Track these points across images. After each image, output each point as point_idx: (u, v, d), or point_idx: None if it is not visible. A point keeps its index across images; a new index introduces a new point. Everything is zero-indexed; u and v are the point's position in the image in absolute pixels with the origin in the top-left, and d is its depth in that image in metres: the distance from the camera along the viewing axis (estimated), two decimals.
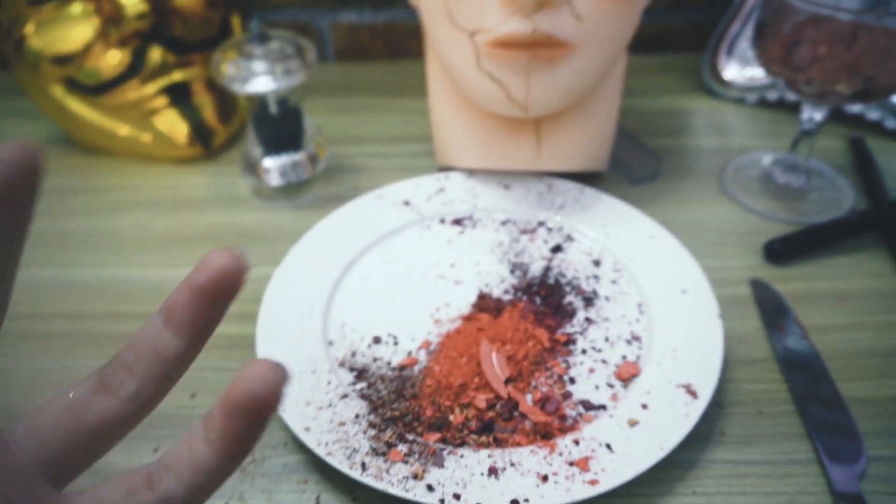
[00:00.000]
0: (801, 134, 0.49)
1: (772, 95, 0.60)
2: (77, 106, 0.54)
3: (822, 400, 0.36)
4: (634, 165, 0.52)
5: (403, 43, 0.71)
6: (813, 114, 0.47)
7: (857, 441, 0.34)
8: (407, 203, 0.48)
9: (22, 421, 0.18)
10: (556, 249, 0.45)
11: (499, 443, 0.33)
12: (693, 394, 0.34)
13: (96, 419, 0.18)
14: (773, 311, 0.42)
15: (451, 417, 0.34)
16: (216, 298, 0.18)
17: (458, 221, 0.47)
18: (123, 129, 0.55)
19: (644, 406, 0.34)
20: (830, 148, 0.56)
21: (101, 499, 0.17)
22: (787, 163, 0.52)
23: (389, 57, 0.71)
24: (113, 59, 0.52)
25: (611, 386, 0.36)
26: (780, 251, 0.45)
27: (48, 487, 0.17)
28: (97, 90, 0.53)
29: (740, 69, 0.62)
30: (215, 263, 0.17)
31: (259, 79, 0.48)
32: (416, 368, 0.37)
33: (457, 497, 0.30)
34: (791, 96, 0.59)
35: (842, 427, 0.35)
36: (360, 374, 0.36)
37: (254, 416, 0.17)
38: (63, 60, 0.51)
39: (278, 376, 0.16)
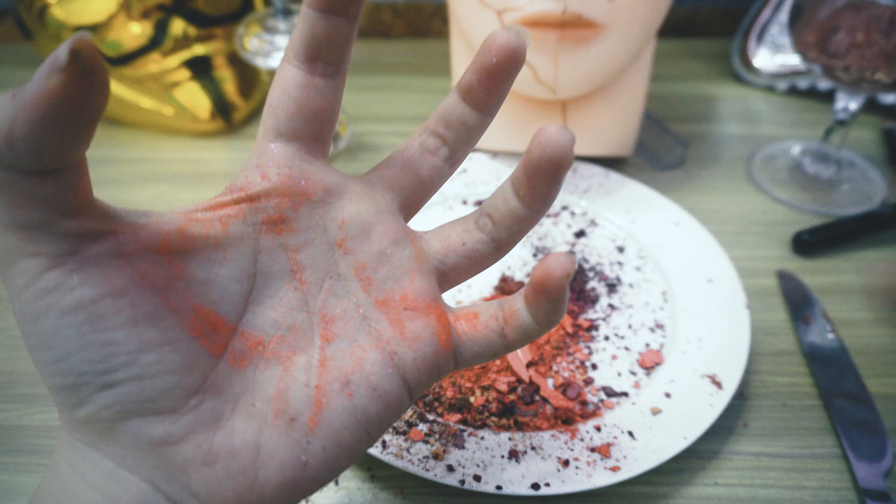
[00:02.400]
0: (834, 123, 0.48)
1: (803, 83, 0.59)
2: None
3: (849, 395, 0.36)
4: (661, 151, 0.52)
5: (425, 22, 0.70)
6: (848, 103, 0.46)
7: (884, 438, 0.34)
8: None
9: (372, 171, 0.23)
10: (580, 234, 0.44)
11: (519, 426, 0.32)
12: (718, 384, 0.34)
13: (427, 172, 0.23)
14: (799, 303, 0.41)
15: (472, 399, 0.33)
16: (504, 75, 0.21)
17: (480, 203, 0.47)
18: (145, 102, 0.54)
19: (667, 395, 0.34)
20: (863, 139, 0.54)
21: (446, 234, 0.23)
22: (817, 153, 0.51)
23: (411, 36, 0.70)
24: (135, 31, 0.51)
25: (633, 373, 0.36)
26: (809, 243, 0.44)
27: (402, 219, 0.23)
28: (119, 62, 0.52)
29: (771, 56, 0.60)
30: (499, 42, 0.20)
31: (282, 53, 0.47)
32: None
33: (477, 478, 0.29)
34: (823, 84, 0.58)
35: (868, 423, 0.34)
36: None
37: (550, 175, 0.20)
38: (85, 31, 0.51)
39: (566, 139, 0.20)
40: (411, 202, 0.23)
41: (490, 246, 0.23)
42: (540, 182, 0.21)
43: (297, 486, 0.20)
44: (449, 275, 0.23)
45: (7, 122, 0.15)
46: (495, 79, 0.21)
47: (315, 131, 0.21)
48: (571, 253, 0.21)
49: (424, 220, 0.45)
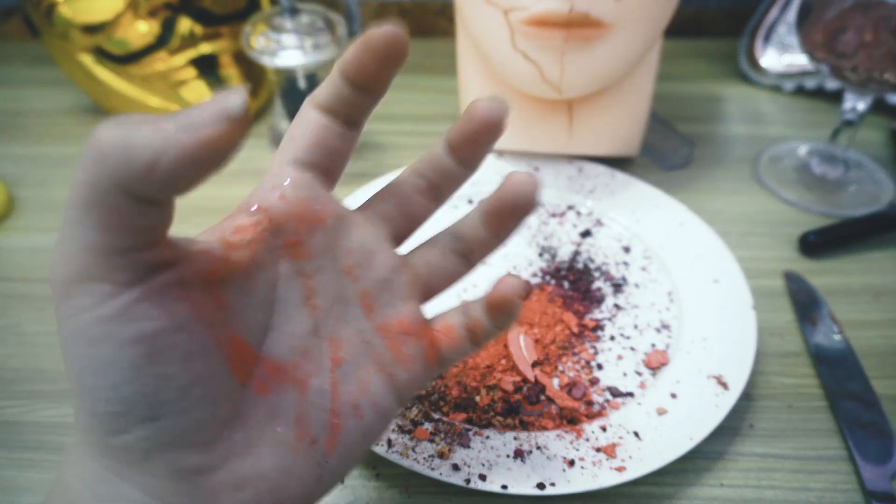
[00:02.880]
0: (842, 124, 0.48)
1: (810, 83, 0.58)
2: (106, 75, 0.54)
3: (855, 396, 0.36)
4: (667, 151, 0.51)
5: (431, 21, 0.69)
6: (856, 103, 0.46)
7: (891, 439, 0.33)
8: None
9: (369, 203, 0.25)
10: (586, 234, 0.44)
11: (525, 426, 0.32)
12: (724, 385, 0.34)
13: (417, 210, 0.25)
14: (806, 304, 0.41)
15: (478, 399, 0.33)
16: (485, 142, 0.23)
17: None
18: (153, 100, 0.55)
19: (673, 395, 0.34)
20: (870, 139, 0.54)
21: (427, 258, 0.25)
22: (824, 153, 0.51)
23: (417, 35, 0.70)
24: (142, 30, 0.52)
25: (639, 374, 0.36)
26: (816, 244, 0.44)
27: (392, 248, 0.25)
28: (125, 60, 0.53)
29: (778, 56, 0.60)
30: (479, 114, 0.22)
31: (288, 52, 0.47)
32: None
33: (482, 478, 0.29)
34: (831, 85, 0.58)
35: (875, 425, 0.34)
36: None
37: (517, 217, 0.24)
38: (92, 29, 0.51)
39: (533, 186, 0.23)
40: (401, 235, 0.25)
41: (465, 267, 0.26)
42: (509, 221, 0.24)
43: (312, 498, 0.22)
44: (429, 294, 0.26)
45: (153, 153, 0.15)
46: (477, 144, 0.23)
47: (328, 166, 0.23)
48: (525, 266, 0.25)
49: (431, 220, 0.45)
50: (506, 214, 0.24)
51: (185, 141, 0.15)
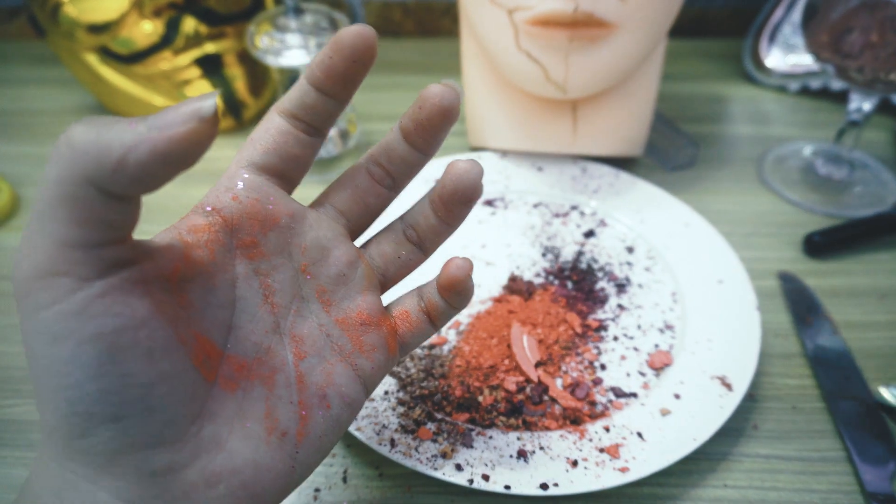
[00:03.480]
0: (847, 124, 0.48)
1: (815, 84, 0.58)
2: (111, 74, 0.54)
3: (854, 397, 0.35)
4: (671, 151, 0.51)
5: (435, 21, 0.69)
6: (862, 104, 0.46)
7: (890, 441, 0.33)
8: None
9: (324, 197, 0.25)
10: (589, 234, 0.44)
11: (528, 426, 0.32)
12: (728, 386, 0.34)
13: (373, 200, 0.25)
14: (801, 304, 0.40)
15: (480, 398, 0.33)
16: (437, 128, 0.23)
17: (489, 202, 0.47)
18: (157, 99, 0.55)
19: (677, 396, 0.34)
20: (876, 140, 0.54)
21: (382, 248, 0.26)
22: (829, 154, 0.51)
23: (420, 35, 0.70)
24: (147, 29, 0.52)
25: (642, 374, 0.36)
26: (821, 244, 0.44)
27: (348, 242, 0.25)
28: (130, 59, 0.53)
29: (783, 56, 0.60)
30: (431, 99, 0.22)
31: (293, 52, 0.47)
32: (446, 348, 0.36)
33: (485, 478, 0.29)
34: (836, 85, 0.57)
35: (873, 426, 0.34)
36: None
37: (464, 203, 0.24)
38: (97, 29, 0.51)
39: (476, 172, 0.23)
40: (358, 227, 0.26)
41: (419, 254, 0.26)
42: (456, 208, 0.24)
43: (286, 489, 0.22)
44: (387, 284, 0.26)
45: (124, 148, 0.15)
46: (428, 129, 0.23)
47: (285, 171, 0.23)
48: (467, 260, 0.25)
49: None
50: (452, 202, 0.24)
51: (155, 138, 0.16)
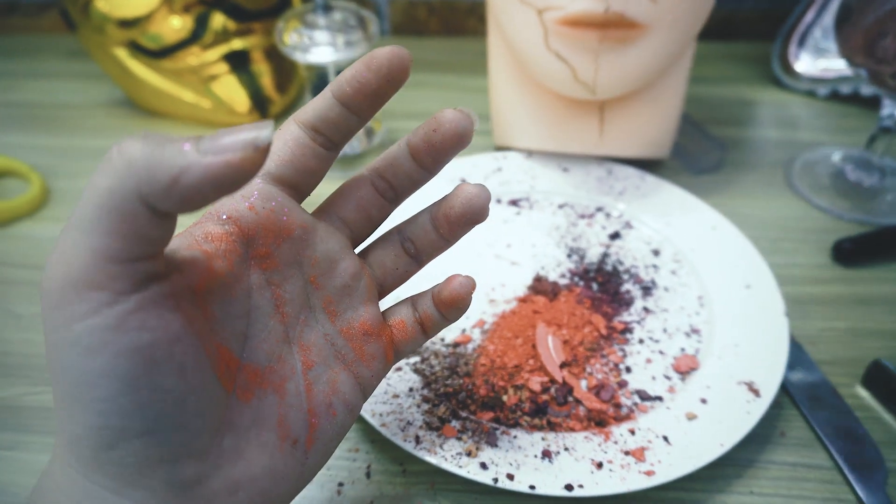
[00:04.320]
0: (879, 130, 0.47)
1: (845, 89, 0.57)
2: (139, 69, 0.55)
3: (831, 407, 0.35)
4: (698, 154, 0.51)
5: (460, 21, 0.69)
6: (894, 110, 0.45)
7: (876, 451, 0.33)
8: (463, 181, 0.47)
9: (328, 206, 0.25)
10: (615, 236, 0.44)
11: (552, 426, 0.32)
12: (755, 392, 0.33)
13: (376, 212, 0.26)
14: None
15: (505, 398, 0.33)
16: (448, 150, 0.24)
17: (514, 202, 0.47)
18: (185, 94, 0.55)
19: (703, 401, 0.33)
20: None
21: (381, 260, 0.26)
22: (859, 160, 0.50)
23: (445, 34, 0.70)
24: (176, 25, 0.52)
25: (668, 378, 0.35)
26: (850, 251, 0.43)
27: (353, 254, 0.25)
28: (159, 54, 0.53)
29: (812, 60, 0.59)
30: (447, 124, 0.23)
31: (321, 49, 0.48)
32: (470, 347, 0.36)
33: (510, 477, 0.29)
34: (866, 90, 0.57)
35: (858, 435, 0.34)
36: None
37: (469, 225, 0.25)
38: (128, 24, 0.52)
39: (485, 198, 0.24)
40: (360, 237, 0.26)
41: (416, 266, 0.27)
42: (460, 229, 0.25)
43: (296, 492, 0.23)
44: (383, 293, 0.27)
45: (178, 169, 0.16)
46: (440, 152, 0.24)
47: (299, 183, 0.23)
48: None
49: None
50: (459, 224, 0.25)
51: (210, 162, 0.16)
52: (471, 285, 0.26)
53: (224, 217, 0.22)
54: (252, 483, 0.21)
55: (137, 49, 0.54)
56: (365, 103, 0.22)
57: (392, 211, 0.26)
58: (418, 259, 0.26)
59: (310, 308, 0.24)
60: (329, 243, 0.24)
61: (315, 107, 0.23)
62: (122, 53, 0.54)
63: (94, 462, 0.18)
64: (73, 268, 0.17)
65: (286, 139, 0.23)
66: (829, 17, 0.58)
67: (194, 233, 0.21)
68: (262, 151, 0.16)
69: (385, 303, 0.28)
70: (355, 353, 0.25)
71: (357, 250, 0.26)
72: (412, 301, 0.27)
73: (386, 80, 0.22)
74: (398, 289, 0.27)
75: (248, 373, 0.21)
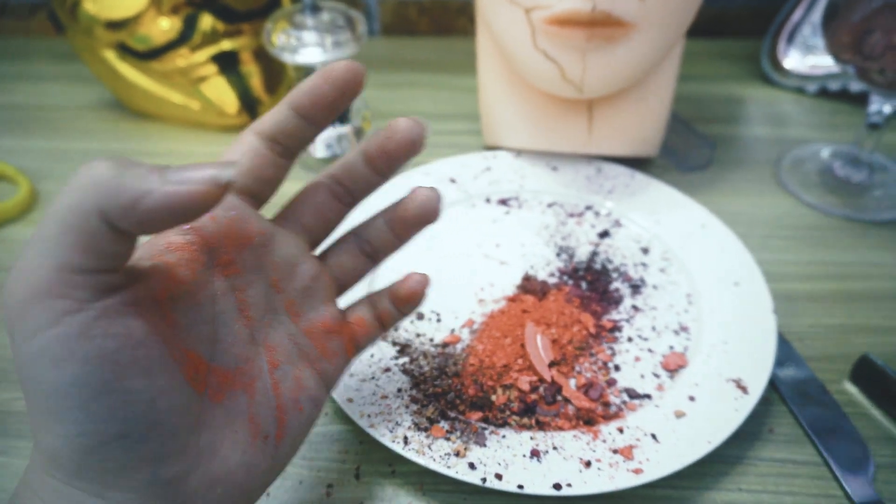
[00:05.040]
0: (867, 127, 0.47)
1: (834, 85, 0.58)
2: (128, 71, 0.55)
3: (818, 401, 0.35)
4: (687, 152, 0.51)
5: (450, 20, 0.69)
6: (882, 106, 0.45)
7: (863, 447, 0.33)
8: (453, 181, 0.47)
9: (287, 212, 0.27)
10: (604, 235, 0.44)
11: (541, 426, 0.32)
12: (743, 389, 0.33)
13: (333, 216, 0.27)
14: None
15: (494, 398, 0.33)
16: (402, 157, 0.26)
17: (503, 202, 0.47)
18: (174, 96, 0.55)
19: (691, 398, 0.33)
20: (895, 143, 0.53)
21: (341, 261, 0.28)
22: (848, 156, 0.50)
23: (436, 33, 0.70)
24: (164, 26, 0.52)
25: (657, 376, 0.35)
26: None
27: (312, 257, 0.27)
28: (148, 56, 0.53)
29: (801, 57, 0.59)
30: (400, 133, 0.25)
31: (309, 49, 0.47)
32: (459, 347, 0.36)
33: (499, 477, 0.29)
34: (855, 87, 0.57)
35: (845, 432, 0.34)
36: (403, 348, 0.36)
37: (423, 226, 0.27)
38: (116, 25, 0.52)
39: (436, 200, 0.26)
40: (318, 239, 0.27)
41: (372, 265, 0.29)
42: (414, 229, 0.27)
43: (269, 483, 0.25)
44: (342, 291, 0.28)
45: (141, 191, 0.17)
46: (394, 158, 0.26)
47: (258, 192, 0.25)
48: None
49: (449, 218, 0.45)
50: (413, 224, 0.27)
51: (171, 190, 0.17)
52: (426, 282, 0.28)
53: (186, 227, 0.22)
54: (228, 478, 0.22)
55: (126, 51, 0.53)
56: (321, 114, 0.24)
57: (347, 214, 0.28)
58: (374, 258, 0.28)
59: (273, 310, 0.25)
60: (289, 248, 0.25)
61: (273, 118, 0.24)
62: (111, 55, 0.54)
63: (76, 469, 0.19)
64: (35, 280, 0.17)
65: (245, 150, 0.24)
66: (817, 15, 0.58)
67: (157, 243, 0.22)
68: (223, 188, 0.18)
69: (344, 299, 0.29)
70: (318, 350, 0.26)
71: (316, 252, 0.28)
72: (370, 300, 0.29)
73: (341, 91, 0.24)
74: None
75: (218, 375, 0.22)
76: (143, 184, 0.17)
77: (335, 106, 0.24)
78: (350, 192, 0.27)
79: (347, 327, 0.28)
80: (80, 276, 0.17)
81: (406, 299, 0.28)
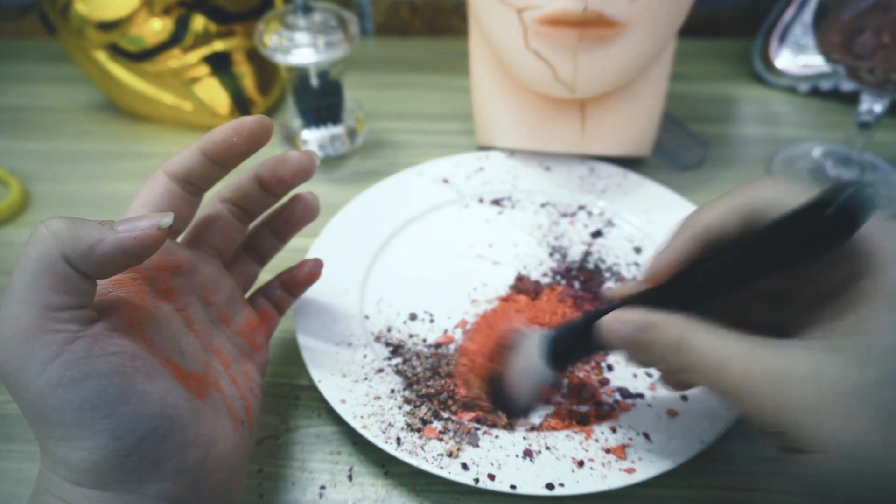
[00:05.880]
0: (858, 126, 0.47)
1: (825, 85, 0.58)
2: (120, 72, 0.54)
3: None
4: (679, 152, 0.51)
5: (443, 20, 0.69)
6: (873, 105, 0.46)
7: None
8: (446, 181, 0.47)
9: (197, 236, 0.30)
10: (597, 234, 0.44)
11: (533, 426, 0.32)
12: None
13: (235, 233, 0.32)
14: None
15: None
16: (294, 184, 0.30)
17: (496, 202, 0.47)
18: (166, 97, 0.55)
19: (684, 397, 0.33)
20: (887, 142, 0.53)
21: (242, 270, 0.34)
22: (839, 155, 0.50)
23: (429, 34, 0.70)
24: (156, 27, 0.52)
25: (649, 375, 0.35)
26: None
27: (226, 272, 0.32)
28: (139, 57, 0.53)
29: (793, 57, 0.59)
30: (292, 165, 0.29)
31: (301, 50, 0.47)
32: (452, 347, 0.36)
33: (491, 477, 0.29)
34: (846, 86, 0.57)
35: None
36: (396, 349, 0.36)
37: (302, 226, 0.34)
38: (108, 27, 0.52)
39: (316, 205, 0.34)
40: (226, 256, 0.32)
41: (260, 267, 0.34)
42: (295, 232, 0.34)
43: (247, 460, 0.28)
44: (245, 293, 0.33)
45: (94, 240, 0.21)
46: (286, 183, 0.30)
47: (176, 228, 0.29)
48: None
49: (442, 218, 0.45)
50: (296, 227, 0.33)
51: (120, 235, 0.21)
52: (320, 264, 0.35)
53: None
54: (228, 459, 0.26)
55: (118, 52, 0.53)
56: (231, 160, 0.28)
57: (247, 230, 0.33)
58: (261, 262, 0.34)
59: (212, 321, 0.29)
60: (209, 268, 0.30)
61: (184, 161, 0.27)
62: (103, 56, 0.54)
63: (114, 474, 0.22)
64: (24, 322, 0.20)
65: (161, 192, 0.27)
66: (808, 14, 0.58)
67: (105, 283, 0.25)
68: (164, 231, 0.22)
69: None
70: (250, 345, 0.31)
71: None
72: (263, 292, 0.34)
73: (251, 143, 0.27)
74: None
75: (194, 378, 0.26)
76: (96, 234, 0.21)
77: (244, 153, 0.27)
78: (247, 212, 0.31)
79: (264, 320, 0.33)
80: (63, 313, 0.21)
81: (303, 283, 0.34)
